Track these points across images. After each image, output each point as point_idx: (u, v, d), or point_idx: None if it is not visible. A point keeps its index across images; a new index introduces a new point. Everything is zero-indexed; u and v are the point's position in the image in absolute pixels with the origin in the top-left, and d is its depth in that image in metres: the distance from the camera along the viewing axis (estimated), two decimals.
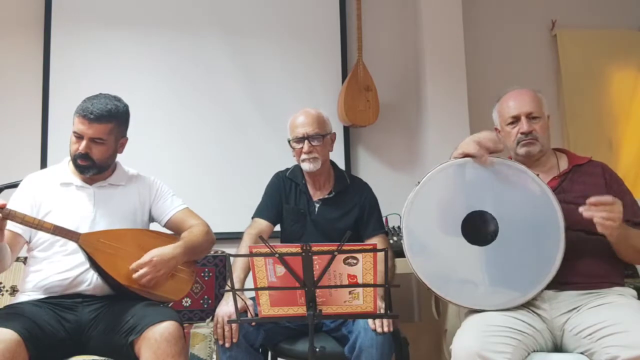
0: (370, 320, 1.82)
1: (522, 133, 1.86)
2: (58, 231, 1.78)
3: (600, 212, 1.60)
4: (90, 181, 1.98)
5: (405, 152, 3.31)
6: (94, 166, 1.92)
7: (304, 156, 2.12)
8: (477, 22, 3.44)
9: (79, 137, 1.89)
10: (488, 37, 3.48)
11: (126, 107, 1.99)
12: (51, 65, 3.01)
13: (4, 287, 2.39)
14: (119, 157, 2.05)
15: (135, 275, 1.82)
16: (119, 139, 1.98)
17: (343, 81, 3.18)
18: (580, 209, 1.62)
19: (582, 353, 1.62)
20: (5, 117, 2.99)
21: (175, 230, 2.06)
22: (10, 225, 1.81)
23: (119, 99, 1.97)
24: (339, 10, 3.29)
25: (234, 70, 3.17)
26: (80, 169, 1.93)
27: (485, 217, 1.72)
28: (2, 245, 1.76)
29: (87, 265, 1.84)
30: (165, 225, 2.08)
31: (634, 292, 1.79)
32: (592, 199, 1.61)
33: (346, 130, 3.22)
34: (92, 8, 3.08)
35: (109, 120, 1.90)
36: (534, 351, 1.65)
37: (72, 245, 1.85)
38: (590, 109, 3.50)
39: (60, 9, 3.05)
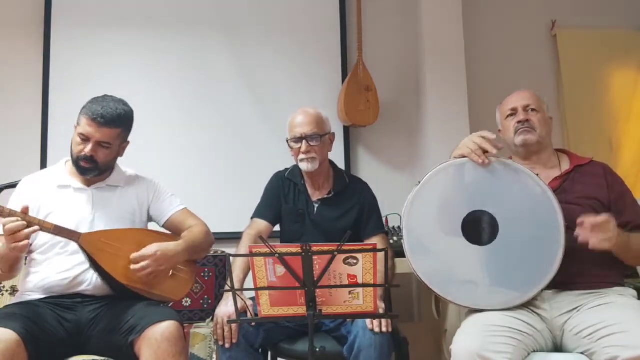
0: (368, 320, 1.82)
1: (518, 122, 1.91)
2: (58, 231, 1.78)
3: (594, 236, 1.61)
4: (88, 183, 1.97)
5: (405, 152, 3.31)
6: (97, 168, 1.92)
7: (301, 156, 2.12)
8: (477, 22, 3.44)
9: (86, 139, 1.87)
10: (488, 37, 3.48)
11: (132, 111, 1.99)
12: (51, 66, 3.01)
13: (3, 287, 2.39)
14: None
15: (136, 266, 1.81)
16: (123, 143, 2.00)
17: (343, 81, 3.18)
18: (576, 234, 1.63)
19: (582, 353, 1.62)
20: (5, 118, 2.99)
21: (174, 230, 2.06)
22: None
23: (125, 103, 1.97)
24: (339, 10, 3.29)
25: (234, 71, 3.17)
26: (82, 171, 1.92)
27: (486, 217, 1.72)
28: (21, 256, 1.75)
29: (87, 265, 1.84)
30: (164, 226, 2.08)
31: (634, 292, 1.79)
32: (586, 223, 1.62)
33: (346, 130, 3.22)
34: (92, 9, 3.09)
35: (118, 125, 1.91)
36: (534, 351, 1.65)
37: (72, 247, 1.85)
38: (590, 109, 3.49)
39: (60, 10, 3.05)
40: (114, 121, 1.88)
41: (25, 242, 1.66)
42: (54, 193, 1.94)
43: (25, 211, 1.69)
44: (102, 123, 1.85)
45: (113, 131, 1.89)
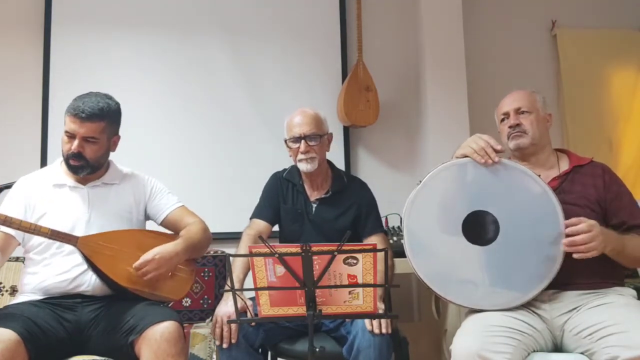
0: (367, 322, 1.82)
1: (509, 127, 1.92)
2: (55, 235, 1.77)
3: (577, 247, 1.61)
4: (83, 181, 1.95)
5: (405, 152, 3.31)
6: (87, 165, 1.89)
7: (300, 156, 2.11)
8: (477, 22, 3.44)
9: (71, 136, 1.86)
10: (488, 37, 3.48)
11: (118, 105, 1.96)
12: (51, 65, 3.01)
13: (3, 287, 2.39)
14: (113, 156, 2.03)
15: (138, 273, 1.81)
16: (112, 137, 1.96)
17: (343, 81, 3.18)
18: (563, 244, 1.64)
19: (582, 353, 1.62)
20: (5, 117, 2.99)
21: (172, 228, 2.05)
22: (4, 227, 1.81)
23: (110, 97, 1.94)
24: (339, 10, 3.29)
25: (234, 71, 3.17)
26: (73, 169, 1.90)
27: (486, 217, 1.72)
28: None
29: (86, 266, 1.83)
30: (162, 224, 2.06)
31: (634, 292, 1.79)
32: (567, 230, 1.64)
33: (346, 130, 3.22)
34: (92, 8, 3.08)
35: (101, 118, 1.87)
36: (534, 351, 1.65)
37: (69, 247, 1.84)
38: (590, 109, 3.50)
39: (60, 8, 3.05)
40: (96, 115, 1.85)
41: None
42: (50, 192, 1.92)
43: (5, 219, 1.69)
44: (84, 118, 1.83)
45: (97, 125, 1.86)
